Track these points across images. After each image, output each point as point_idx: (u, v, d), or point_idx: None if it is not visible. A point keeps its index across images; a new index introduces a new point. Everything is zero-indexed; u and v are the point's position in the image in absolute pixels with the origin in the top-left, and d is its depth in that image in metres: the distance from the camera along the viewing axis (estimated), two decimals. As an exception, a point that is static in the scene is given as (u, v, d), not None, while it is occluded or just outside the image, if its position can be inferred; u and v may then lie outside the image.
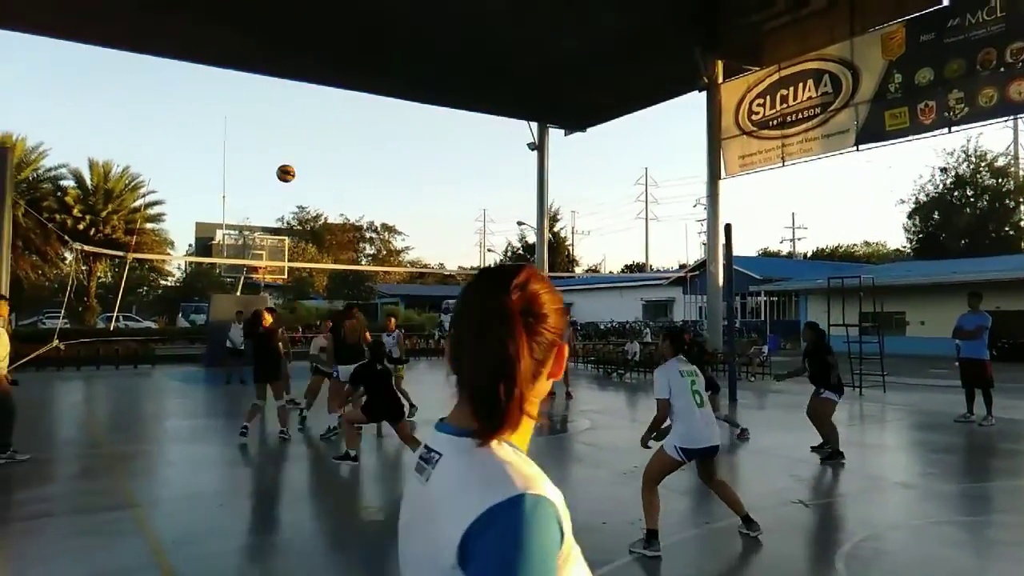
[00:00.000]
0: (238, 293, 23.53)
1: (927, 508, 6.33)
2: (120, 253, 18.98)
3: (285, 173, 9.64)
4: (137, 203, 34.40)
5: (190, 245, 58.17)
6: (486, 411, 1.03)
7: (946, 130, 16.15)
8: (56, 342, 10.48)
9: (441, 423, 1.12)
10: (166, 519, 5.65)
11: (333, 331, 9.83)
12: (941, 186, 47.06)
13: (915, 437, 9.73)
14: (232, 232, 33.87)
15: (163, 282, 51.63)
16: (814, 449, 8.02)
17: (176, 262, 51.18)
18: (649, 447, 5.12)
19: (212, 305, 20.78)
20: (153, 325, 38.71)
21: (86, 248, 13.83)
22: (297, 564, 4.65)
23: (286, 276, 32.06)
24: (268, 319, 9.21)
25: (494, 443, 1.03)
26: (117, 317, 35.74)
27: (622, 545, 4.89)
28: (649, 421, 5.23)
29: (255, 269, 24.49)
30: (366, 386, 7.26)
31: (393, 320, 11.32)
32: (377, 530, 5.49)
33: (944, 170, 46.68)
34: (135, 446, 9.05)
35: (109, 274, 49.47)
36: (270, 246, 26.93)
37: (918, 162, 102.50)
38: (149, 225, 35.36)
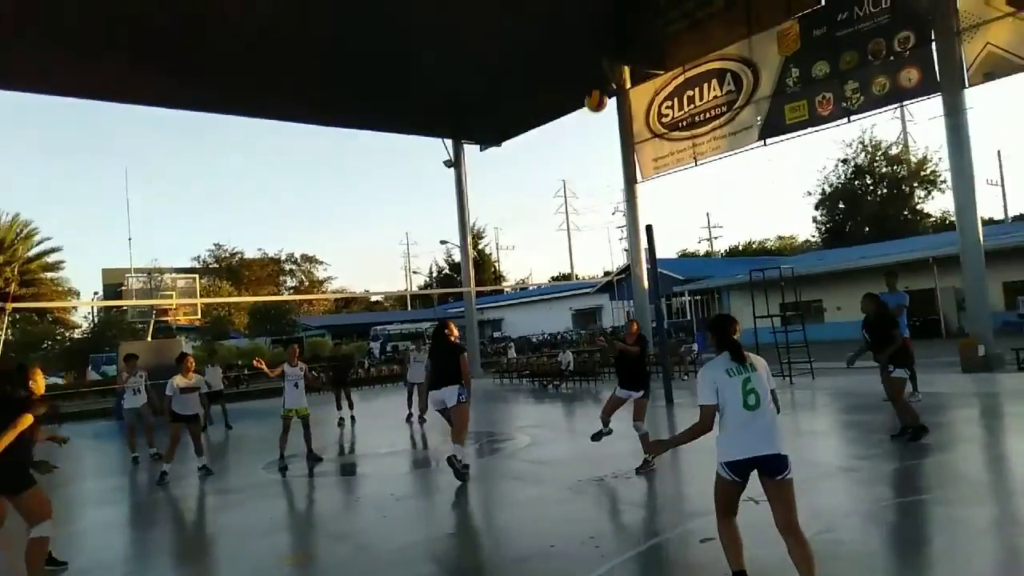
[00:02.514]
0: (148, 339, 22.24)
1: (874, 491, 6.27)
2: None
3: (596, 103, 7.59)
4: (32, 252, 32.26)
5: (96, 293, 55.27)
6: None
7: (845, 120, 16.75)
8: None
9: None
10: (62, 599, 4.98)
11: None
12: (843, 177, 49.39)
13: (849, 419, 9.83)
14: (141, 276, 32.20)
15: (69, 334, 48.61)
16: (894, 438, 7.80)
17: (82, 311, 48.38)
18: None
19: (120, 353, 19.47)
20: (60, 380, 36.23)
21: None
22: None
23: (199, 316, 30.67)
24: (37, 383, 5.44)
25: None
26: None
27: (574, 568, 4.56)
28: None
29: (166, 311, 23.22)
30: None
31: (296, 349, 10.06)
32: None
33: (845, 161, 49.04)
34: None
35: (9, 331, 46.17)
36: (180, 287, 25.64)
37: (822, 155, 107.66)
38: (47, 274, 33.21)
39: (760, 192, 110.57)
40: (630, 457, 8.73)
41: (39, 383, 5.48)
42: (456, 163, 27.17)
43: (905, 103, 21.85)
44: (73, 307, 42.63)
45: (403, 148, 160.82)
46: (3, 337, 14.18)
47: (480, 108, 23.75)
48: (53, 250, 33.53)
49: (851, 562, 4.43)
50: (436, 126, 25.91)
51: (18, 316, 42.68)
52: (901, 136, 49.89)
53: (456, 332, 8.19)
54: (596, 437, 7.88)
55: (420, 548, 5.43)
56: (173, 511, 7.95)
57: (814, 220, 52.20)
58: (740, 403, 3.83)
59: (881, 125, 78.86)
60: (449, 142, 27.02)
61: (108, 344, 38.40)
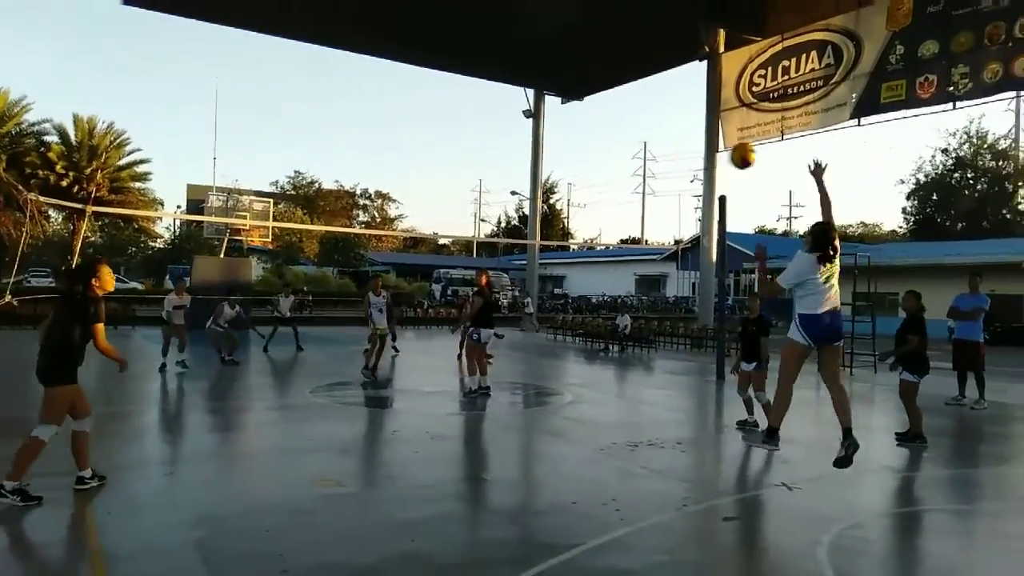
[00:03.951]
0: (221, 255, 23.10)
1: (915, 495, 6.05)
2: (77, 205, 18.46)
3: (744, 162, 6.20)
4: (123, 161, 33.57)
5: (179, 207, 57.62)
6: None
7: (949, 105, 15.71)
8: (9, 297, 10.08)
9: None
10: (108, 488, 5.30)
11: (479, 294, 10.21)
12: (941, 167, 46.57)
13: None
14: (221, 194, 33.32)
15: (152, 244, 50.98)
16: (899, 436, 7.68)
17: (165, 222, 50.57)
18: None
19: (194, 267, 20.37)
20: (139, 286, 38.19)
21: (41, 199, 13.30)
22: (237, 543, 4.31)
23: (270, 239, 31.58)
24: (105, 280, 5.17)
25: None
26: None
27: (590, 527, 4.57)
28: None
29: (239, 231, 24.01)
30: None
31: (380, 281, 11.87)
32: (333, 504, 5.16)
33: (945, 151, 46.16)
34: (95, 408, 8.67)
35: (98, 234, 48.70)
36: (256, 209, 26.42)
37: (919, 143, 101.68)
38: (135, 184, 34.55)
39: (849, 175, 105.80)
40: (670, 427, 8.67)
41: (103, 280, 5.09)
42: (535, 114, 26.86)
43: (1021, 93, 20.25)
44: (157, 217, 44.55)
45: (484, 96, 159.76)
46: (83, 237, 14.91)
47: (565, 60, 23.25)
48: (142, 161, 34.75)
49: (873, 563, 4.29)
50: (519, 74, 25.58)
51: (107, 221, 44.86)
52: (1013, 130, 46.60)
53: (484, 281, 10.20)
54: (743, 424, 8.03)
55: (446, 487, 5.54)
56: (218, 421, 8.33)
57: (903, 210, 49.62)
58: (819, 288, 5.07)
59: (992, 117, 73.70)
60: (531, 92, 26.68)
61: (186, 257, 40.22)
